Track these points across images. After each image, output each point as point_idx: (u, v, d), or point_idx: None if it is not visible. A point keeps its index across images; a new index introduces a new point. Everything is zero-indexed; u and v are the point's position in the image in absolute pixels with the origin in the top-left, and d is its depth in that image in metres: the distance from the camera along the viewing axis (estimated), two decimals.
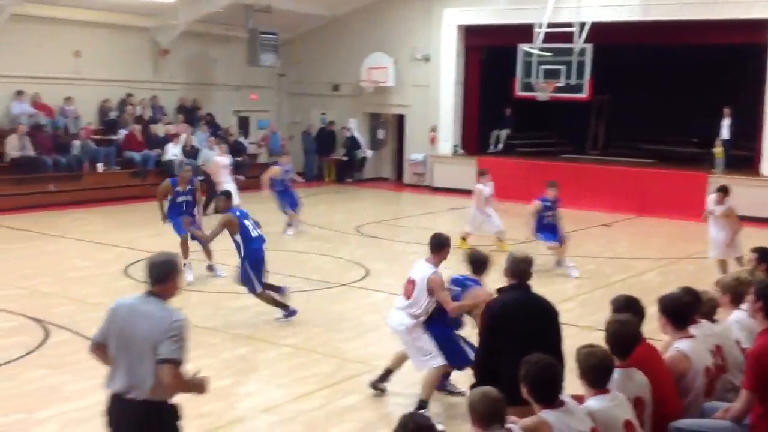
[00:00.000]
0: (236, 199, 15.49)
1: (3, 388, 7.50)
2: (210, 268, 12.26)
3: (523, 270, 5.58)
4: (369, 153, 25.56)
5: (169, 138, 21.68)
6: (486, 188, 14.60)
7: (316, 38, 26.45)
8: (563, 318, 5.88)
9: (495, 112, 24.38)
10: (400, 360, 7.54)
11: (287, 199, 16.28)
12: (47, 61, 21.08)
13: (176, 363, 4.51)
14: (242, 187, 21.32)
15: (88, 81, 21.96)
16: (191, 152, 20.95)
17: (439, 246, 7.15)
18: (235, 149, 23.42)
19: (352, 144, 25.42)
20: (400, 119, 25.74)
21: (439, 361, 7.03)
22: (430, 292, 6.96)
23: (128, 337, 4.59)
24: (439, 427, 6.29)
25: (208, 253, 12.13)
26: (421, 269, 7.10)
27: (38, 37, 20.80)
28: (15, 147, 18.91)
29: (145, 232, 15.40)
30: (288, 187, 16.40)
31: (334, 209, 20.43)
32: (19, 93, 20.39)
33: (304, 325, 9.80)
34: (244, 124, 26.33)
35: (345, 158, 25.49)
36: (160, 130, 22.08)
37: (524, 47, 21.04)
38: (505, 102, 23.83)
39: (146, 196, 18.87)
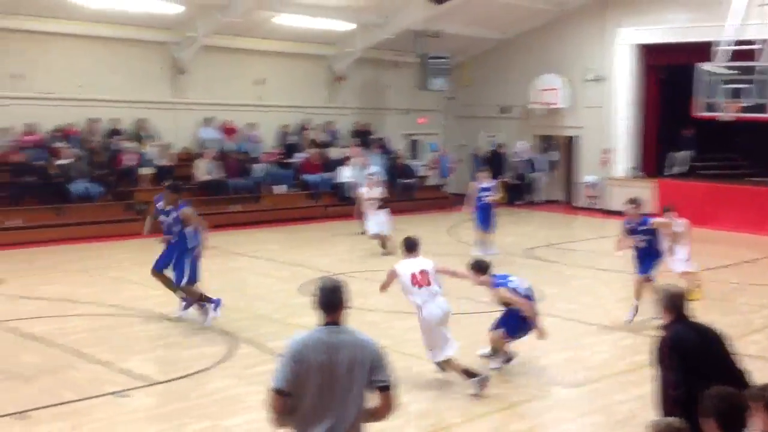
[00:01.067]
0: (375, 228, 16.24)
1: (193, 396, 8.00)
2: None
3: (680, 304, 5.49)
4: (542, 177, 25.29)
5: (343, 161, 22.41)
6: (676, 225, 12.05)
7: (485, 61, 26.55)
8: (749, 350, 5.61)
9: (673, 133, 23.46)
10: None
11: (479, 217, 16.36)
12: (233, 89, 22.44)
13: (393, 388, 4.43)
14: (407, 210, 21.71)
15: (270, 107, 23.17)
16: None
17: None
18: (405, 171, 23.89)
19: (527, 166, 25.26)
20: (570, 141, 25.31)
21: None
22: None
23: (331, 373, 4.29)
24: None
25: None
26: (424, 262, 8.44)
27: (225, 66, 22.21)
28: (203, 170, 20.21)
29: (318, 251, 16.00)
30: (484, 206, 16.31)
31: (504, 232, 20.23)
32: (208, 119, 21.81)
33: (474, 348, 9.79)
34: (413, 147, 26.81)
35: (517, 181, 25.32)
36: (334, 153, 22.88)
37: (704, 66, 20.14)
38: (684, 123, 22.87)
39: (321, 216, 19.65)
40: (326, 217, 21.21)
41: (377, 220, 16.50)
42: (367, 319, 11.01)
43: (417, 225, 20.54)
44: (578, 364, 9.31)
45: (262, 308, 11.63)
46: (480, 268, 8.81)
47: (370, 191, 16.98)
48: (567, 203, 25.24)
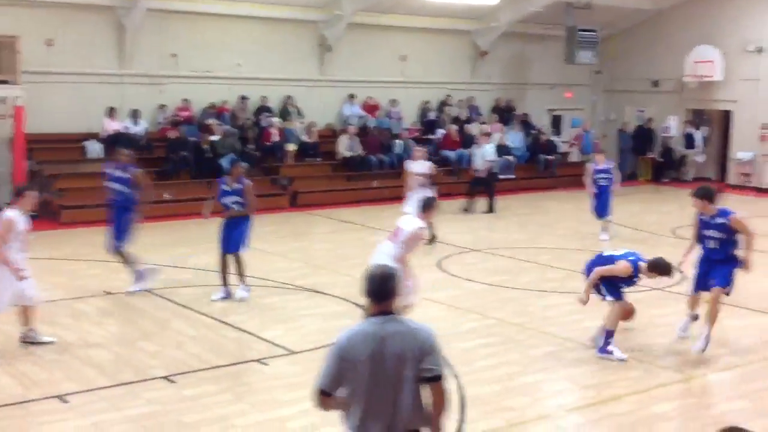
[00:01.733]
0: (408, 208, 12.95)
1: None
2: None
3: None
4: (700, 158, 24.14)
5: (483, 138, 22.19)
6: None
7: (635, 33, 25.54)
8: None
9: None
10: None
11: (596, 203, 15.19)
12: (376, 65, 22.69)
13: (443, 378, 4.16)
14: (548, 187, 21.28)
15: (411, 84, 23.28)
16: (503, 151, 21.36)
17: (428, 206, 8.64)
18: (547, 148, 23.42)
19: (677, 141, 24.24)
20: (725, 116, 24.00)
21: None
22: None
23: (381, 367, 4.06)
24: None
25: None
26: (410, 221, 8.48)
27: (369, 43, 22.47)
28: (346, 146, 20.59)
29: (455, 228, 15.97)
30: (602, 190, 15.10)
31: (649, 210, 19.58)
32: (351, 96, 22.16)
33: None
34: (556, 123, 26.21)
35: (661, 159, 24.34)
36: (474, 129, 22.71)
37: None
38: None
39: (458, 193, 19.60)
40: (462, 194, 21.14)
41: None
42: (506, 295, 10.95)
43: (558, 201, 20.20)
44: (724, 348, 8.89)
45: None
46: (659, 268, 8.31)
47: (418, 165, 14.69)
48: (720, 180, 24.00)
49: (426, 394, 4.13)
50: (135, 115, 19.05)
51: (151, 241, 14.69)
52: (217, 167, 18.49)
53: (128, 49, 19.19)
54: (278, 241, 14.99)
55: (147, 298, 10.65)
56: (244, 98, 20.71)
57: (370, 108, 22.41)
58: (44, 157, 17.86)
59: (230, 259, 10.60)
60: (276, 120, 20.44)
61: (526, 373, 7.99)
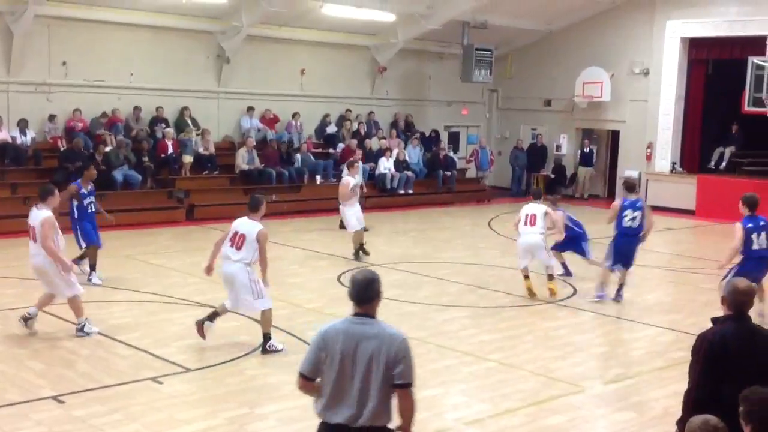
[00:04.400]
0: (357, 224, 14.47)
1: (230, 384, 8.09)
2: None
3: (743, 302, 5.20)
4: (584, 171, 25.02)
5: (382, 152, 22.40)
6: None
7: (529, 53, 26.31)
8: None
9: (719, 129, 23.07)
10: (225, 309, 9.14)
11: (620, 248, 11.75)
12: (276, 78, 22.55)
13: (412, 386, 4.44)
14: (446, 202, 21.65)
15: (310, 97, 23.25)
16: (402, 165, 21.58)
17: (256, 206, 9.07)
18: (445, 164, 23.83)
19: (568, 160, 25.09)
20: (614, 135, 25.01)
21: (269, 303, 9.02)
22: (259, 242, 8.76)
23: (351, 363, 4.36)
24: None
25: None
26: (248, 225, 8.89)
27: (268, 56, 22.33)
28: (244, 159, 20.36)
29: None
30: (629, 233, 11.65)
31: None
32: (250, 109, 21.94)
33: (511, 340, 9.78)
34: (454, 139, 26.70)
35: (553, 175, 25.13)
36: (374, 144, 22.88)
37: (755, 60, 19.73)
38: (730, 118, 22.46)
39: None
40: (364, 208, 21.22)
41: (359, 215, 14.72)
42: (406, 309, 11.04)
43: (456, 217, 20.56)
44: (614, 360, 9.22)
45: (299, 297, 11.70)
46: None
47: (355, 179, 14.78)
48: (609, 198, 24.93)
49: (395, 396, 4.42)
50: (22, 124, 18.29)
51: None
52: (110, 179, 17.98)
53: (15, 56, 18.41)
54: (174, 256, 14.66)
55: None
56: (137, 108, 20.18)
57: (269, 121, 22.25)
58: None
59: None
60: (171, 131, 20.02)
61: (426, 387, 8.03)
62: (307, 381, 4.50)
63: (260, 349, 9.03)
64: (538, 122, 26.25)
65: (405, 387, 4.40)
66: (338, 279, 12.83)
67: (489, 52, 24.30)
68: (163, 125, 20.18)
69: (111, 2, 19.10)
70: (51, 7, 18.30)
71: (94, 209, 12.20)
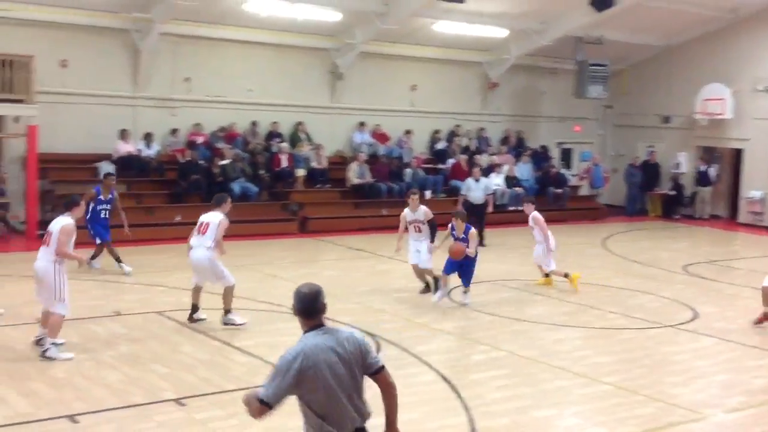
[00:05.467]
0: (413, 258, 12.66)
1: None
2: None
3: None
4: (704, 190, 24.07)
5: (492, 168, 22.27)
6: None
7: (646, 69, 25.68)
8: None
9: None
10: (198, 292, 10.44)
11: None
12: (387, 94, 22.82)
13: (385, 366, 4.63)
14: (558, 220, 21.28)
15: (421, 113, 23.40)
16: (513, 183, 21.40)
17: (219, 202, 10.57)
18: (557, 180, 23.47)
19: (687, 178, 24.27)
20: (736, 154, 24.04)
21: (232, 279, 10.41)
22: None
23: (336, 372, 4.37)
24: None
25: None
26: (212, 215, 10.34)
27: (380, 72, 22.63)
28: (355, 173, 20.65)
29: None
30: None
31: (659, 246, 19.52)
32: (361, 124, 22.26)
33: (626, 363, 9.51)
34: (566, 156, 26.29)
35: (672, 193, 24.36)
36: (484, 160, 22.77)
37: None
38: None
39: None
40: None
41: (412, 250, 12.71)
42: (516, 328, 10.92)
43: (567, 235, 20.17)
44: (736, 387, 8.83)
45: (407, 312, 11.73)
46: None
47: (412, 213, 12.60)
48: (730, 219, 23.97)
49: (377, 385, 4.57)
50: (148, 137, 19.15)
51: (163, 263, 14.75)
52: (228, 190, 18.53)
53: (142, 72, 19.32)
54: (287, 267, 14.99)
55: (158, 320, 10.64)
56: (254, 123, 20.83)
57: (380, 136, 22.51)
58: (57, 176, 17.92)
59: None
60: (286, 145, 20.52)
61: (538, 408, 7.93)
62: (269, 409, 4.34)
63: (222, 320, 10.27)
64: (654, 139, 25.53)
65: (382, 368, 4.56)
66: (448, 295, 12.79)
67: (604, 68, 23.86)
68: (279, 139, 20.70)
69: (232, 21, 19.81)
70: (175, 25, 19.12)
71: (106, 215, 13.84)
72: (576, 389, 8.63)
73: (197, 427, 7.08)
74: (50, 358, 8.73)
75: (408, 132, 22.75)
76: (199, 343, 9.67)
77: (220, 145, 19.72)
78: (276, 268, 14.69)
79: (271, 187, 19.73)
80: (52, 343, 8.84)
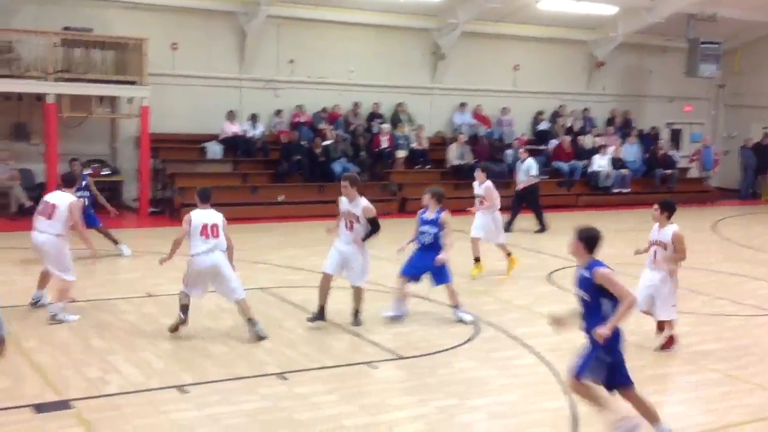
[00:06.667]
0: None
1: (440, 374, 8.20)
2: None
3: None
4: None
5: (597, 149, 21.77)
6: None
7: (761, 47, 24.49)
8: None
9: None
10: None
11: None
12: (489, 74, 22.57)
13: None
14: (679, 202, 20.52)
15: (523, 93, 23.06)
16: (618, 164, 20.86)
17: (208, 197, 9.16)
18: (665, 162, 22.76)
19: None
20: None
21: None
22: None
23: None
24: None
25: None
26: (213, 214, 8.95)
27: (482, 52, 22.40)
28: (455, 154, 20.56)
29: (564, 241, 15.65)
30: None
31: None
32: (462, 105, 22.12)
33: (734, 351, 9.17)
34: (675, 137, 25.43)
35: None
36: (588, 141, 22.29)
37: None
38: None
39: (571, 205, 19.19)
40: (576, 206, 20.75)
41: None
42: None
43: (676, 218, 19.52)
44: None
45: (507, 294, 11.64)
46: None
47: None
48: None
49: None
50: (253, 118, 19.58)
51: (266, 242, 15.10)
52: (329, 170, 18.78)
53: (248, 54, 19.74)
54: (387, 246, 14.99)
55: (261, 296, 10.91)
56: (356, 104, 20.99)
57: (481, 117, 22.31)
58: (167, 156, 18.57)
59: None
60: (387, 126, 20.61)
61: (643, 394, 7.75)
62: None
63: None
64: None
65: None
66: (548, 277, 12.63)
67: (717, 46, 22.91)
68: (380, 120, 20.81)
69: (334, 2, 20.00)
70: (281, 7, 19.44)
71: (86, 203, 12.60)
72: (683, 376, 8.39)
73: (299, 400, 7.24)
74: (60, 321, 9.29)
75: (505, 110, 22.44)
76: (300, 320, 9.85)
77: (323, 125, 19.99)
78: (376, 248, 14.71)
79: (372, 167, 19.88)
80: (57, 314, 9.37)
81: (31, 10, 17.38)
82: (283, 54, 20.26)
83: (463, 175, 20.38)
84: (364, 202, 9.59)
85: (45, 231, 9.53)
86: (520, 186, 17.17)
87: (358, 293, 9.67)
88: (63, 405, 6.89)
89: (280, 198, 18.10)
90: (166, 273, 10.81)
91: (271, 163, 19.32)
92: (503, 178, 20.64)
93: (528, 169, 17.32)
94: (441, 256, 9.90)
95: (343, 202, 9.64)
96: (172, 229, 15.77)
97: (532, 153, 21.60)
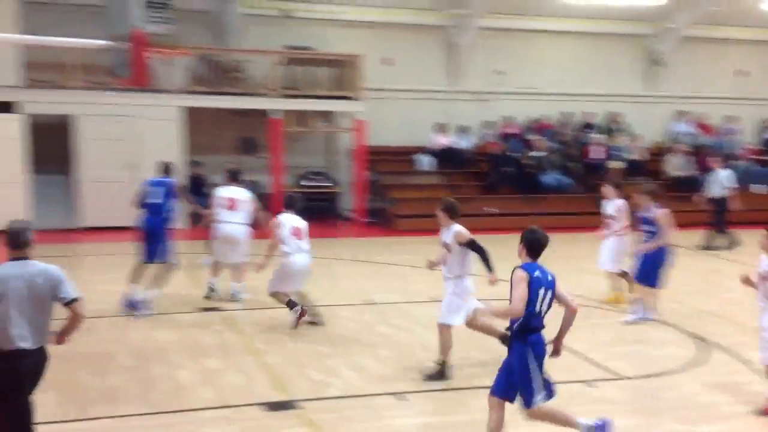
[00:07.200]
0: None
1: (665, 397, 7.77)
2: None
3: None
4: None
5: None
6: None
7: None
8: None
9: None
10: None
11: None
12: (710, 81, 21.35)
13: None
14: None
15: (750, 100, 21.58)
16: None
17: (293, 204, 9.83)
18: None
19: None
20: None
21: None
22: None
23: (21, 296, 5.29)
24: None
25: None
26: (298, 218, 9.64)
27: (700, 57, 21.25)
28: (675, 165, 19.57)
29: None
30: None
31: None
32: (681, 113, 21.05)
33: None
34: None
35: None
36: None
37: None
38: None
39: None
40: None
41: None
42: None
43: None
44: None
45: (740, 316, 10.87)
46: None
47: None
48: None
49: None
50: (463, 130, 19.72)
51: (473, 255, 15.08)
52: (538, 183, 18.53)
53: (458, 66, 19.92)
54: (589, 259, 14.58)
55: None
56: (567, 114, 20.57)
57: (703, 125, 21.11)
58: (380, 167, 19.11)
59: None
60: (600, 136, 20.01)
61: None
62: None
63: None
64: None
65: (72, 302, 5.42)
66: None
67: None
68: (592, 130, 20.26)
69: (544, 11, 19.77)
70: (491, 19, 19.51)
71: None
72: None
73: (516, 416, 7.12)
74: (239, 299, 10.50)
75: (730, 118, 21.07)
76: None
77: (532, 136, 19.75)
78: (588, 263, 14.36)
79: (584, 179, 19.37)
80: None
81: (257, 31, 18.54)
82: (492, 65, 20.28)
83: (684, 187, 19.38)
84: (456, 227, 8.10)
85: (234, 221, 10.66)
86: (716, 196, 16.14)
87: (439, 334, 8.12)
88: (290, 405, 7.22)
89: (489, 210, 18.06)
90: (383, 281, 11.12)
91: (479, 174, 19.35)
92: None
93: (722, 180, 16.30)
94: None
95: (442, 233, 8.20)
96: (388, 239, 16.31)
97: (762, 163, 20.25)
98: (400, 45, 19.68)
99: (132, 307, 10.12)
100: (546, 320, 6.17)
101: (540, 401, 6.07)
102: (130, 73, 8.72)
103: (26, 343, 5.25)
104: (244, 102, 17.40)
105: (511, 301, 5.87)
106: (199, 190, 14.83)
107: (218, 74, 17.88)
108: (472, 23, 19.24)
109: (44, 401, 7.11)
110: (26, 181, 15.87)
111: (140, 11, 11.12)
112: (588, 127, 20.47)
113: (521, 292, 5.81)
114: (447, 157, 19.27)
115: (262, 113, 17.81)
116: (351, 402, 7.38)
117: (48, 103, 15.99)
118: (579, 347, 9.20)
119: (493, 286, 7.89)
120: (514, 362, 6.00)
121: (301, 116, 18.03)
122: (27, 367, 5.30)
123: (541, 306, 5.94)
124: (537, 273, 5.97)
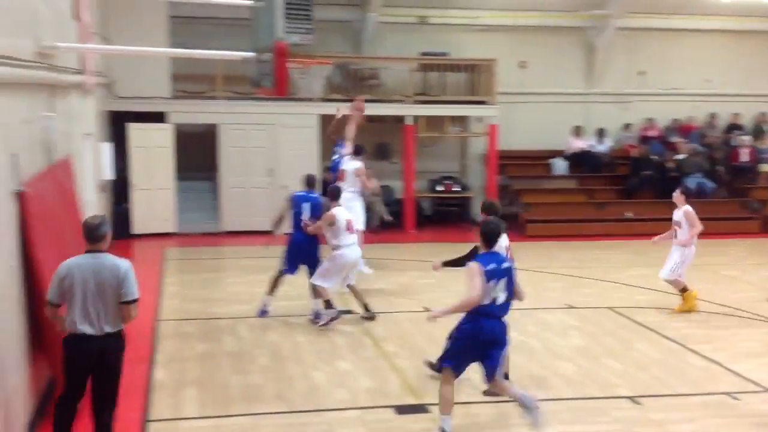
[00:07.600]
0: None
1: None
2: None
3: None
4: None
5: None
6: None
7: None
8: None
9: None
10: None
11: None
12: None
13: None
14: None
15: None
16: None
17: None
18: None
19: None
20: None
21: None
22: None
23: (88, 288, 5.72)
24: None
25: None
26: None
27: None
28: None
29: None
30: None
31: None
32: None
33: None
34: None
35: None
36: None
37: None
38: None
39: None
40: None
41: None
42: None
43: None
44: None
45: None
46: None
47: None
48: None
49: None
50: (600, 133, 19.26)
51: (613, 259, 14.73)
52: (682, 186, 17.80)
53: (596, 68, 19.49)
54: (749, 269, 13.93)
55: (608, 315, 10.66)
56: (713, 115, 19.72)
57: None
58: (513, 172, 18.93)
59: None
60: (747, 138, 19.06)
61: None
62: (53, 307, 5.83)
63: None
64: None
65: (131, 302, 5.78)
66: None
67: None
68: (739, 132, 19.34)
69: (689, 9, 19.08)
70: (631, 19, 18.98)
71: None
72: None
73: (653, 427, 6.93)
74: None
75: None
76: (652, 342, 9.45)
77: (675, 139, 19.04)
78: (737, 269, 13.76)
79: (730, 183, 18.50)
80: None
81: (394, 39, 18.77)
82: (632, 66, 19.70)
83: None
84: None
85: (356, 244, 10.08)
86: None
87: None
88: (421, 408, 7.29)
89: (628, 215, 17.54)
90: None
91: (618, 178, 18.83)
92: None
93: None
94: None
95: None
96: (518, 245, 16.07)
97: None
98: (535, 48, 19.40)
99: (262, 315, 10.26)
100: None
101: (448, 371, 6.59)
102: (273, 83, 9.02)
103: (90, 329, 5.65)
104: (380, 108, 17.65)
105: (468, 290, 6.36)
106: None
107: (355, 82, 18.22)
108: (611, 23, 18.75)
109: (186, 397, 7.53)
110: (175, 187, 16.70)
111: (283, 23, 11.59)
112: (735, 128, 19.53)
113: (477, 282, 6.30)
114: (583, 160, 18.85)
115: (397, 119, 18.01)
116: (481, 408, 7.37)
117: (194, 113, 16.78)
118: (719, 356, 8.83)
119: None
120: (454, 329, 6.68)
121: (435, 122, 18.11)
122: (90, 351, 5.67)
123: (495, 294, 6.41)
124: (491, 265, 6.41)
